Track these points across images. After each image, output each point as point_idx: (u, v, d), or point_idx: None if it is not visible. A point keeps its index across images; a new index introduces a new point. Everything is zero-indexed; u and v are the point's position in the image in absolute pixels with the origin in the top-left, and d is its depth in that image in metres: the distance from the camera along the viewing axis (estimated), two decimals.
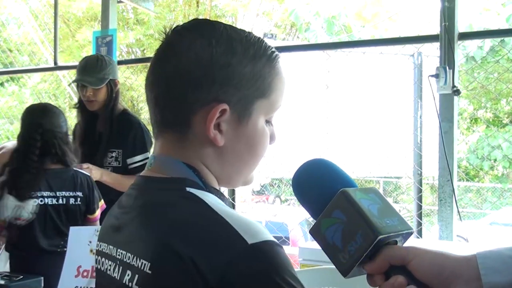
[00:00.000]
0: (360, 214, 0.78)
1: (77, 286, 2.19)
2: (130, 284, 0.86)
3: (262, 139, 0.94)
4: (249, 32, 0.93)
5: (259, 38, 0.93)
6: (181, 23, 0.96)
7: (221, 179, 0.95)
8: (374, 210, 0.80)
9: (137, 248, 0.86)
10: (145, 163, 0.98)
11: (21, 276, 2.43)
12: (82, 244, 2.24)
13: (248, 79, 0.89)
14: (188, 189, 0.87)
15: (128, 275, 0.86)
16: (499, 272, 0.74)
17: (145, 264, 0.83)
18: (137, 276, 0.85)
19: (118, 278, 0.89)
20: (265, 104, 0.92)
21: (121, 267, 0.89)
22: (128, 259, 0.87)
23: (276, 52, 0.94)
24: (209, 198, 0.86)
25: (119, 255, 0.90)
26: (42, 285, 2.47)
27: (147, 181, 0.94)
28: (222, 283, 0.77)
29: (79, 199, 2.73)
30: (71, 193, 2.72)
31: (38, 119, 2.70)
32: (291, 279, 0.78)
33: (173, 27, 0.94)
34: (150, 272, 0.82)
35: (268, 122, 0.95)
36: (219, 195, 0.91)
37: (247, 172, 0.97)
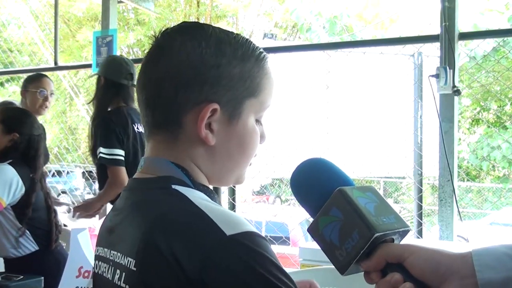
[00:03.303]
0: (357, 212, 0.79)
1: (77, 287, 2.19)
2: (119, 282, 0.87)
3: (252, 138, 0.95)
4: (237, 34, 0.96)
5: (247, 39, 0.95)
6: None
7: (212, 177, 0.96)
8: (371, 208, 0.80)
9: (124, 246, 0.88)
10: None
11: (21, 276, 2.43)
12: (83, 245, 2.25)
13: (237, 79, 0.91)
14: (173, 186, 0.88)
15: (117, 274, 0.88)
16: (494, 269, 0.74)
17: (130, 261, 0.85)
18: (124, 274, 0.86)
19: (110, 279, 0.90)
20: (254, 104, 0.94)
21: (112, 267, 0.90)
22: (118, 259, 0.89)
23: (264, 53, 0.96)
24: (193, 194, 0.87)
25: (111, 256, 0.92)
26: (43, 285, 2.47)
27: (137, 182, 0.96)
28: (201, 276, 0.77)
29: None
30: None
31: None
32: (277, 270, 0.78)
33: (162, 31, 0.96)
34: (134, 269, 0.83)
35: (257, 121, 0.97)
36: (208, 192, 0.93)
37: (238, 170, 0.98)
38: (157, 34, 0.96)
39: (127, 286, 0.86)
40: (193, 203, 0.84)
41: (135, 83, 3.20)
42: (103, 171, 3.06)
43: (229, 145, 0.93)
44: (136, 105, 3.08)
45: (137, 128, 3.10)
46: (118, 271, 0.88)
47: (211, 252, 0.78)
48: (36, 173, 2.81)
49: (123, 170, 2.99)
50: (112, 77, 3.12)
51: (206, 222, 0.81)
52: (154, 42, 0.96)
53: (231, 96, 0.91)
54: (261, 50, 0.96)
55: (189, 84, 0.89)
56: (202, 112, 0.89)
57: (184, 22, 0.98)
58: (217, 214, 0.82)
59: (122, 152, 3.01)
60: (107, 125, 3.02)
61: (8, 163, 2.74)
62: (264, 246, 0.80)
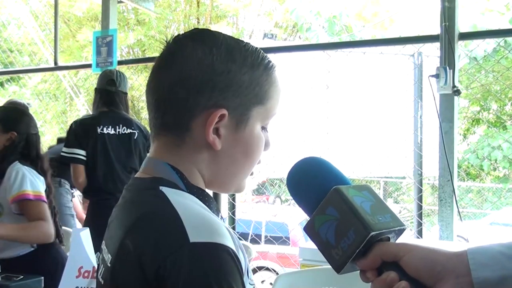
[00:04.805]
0: (353, 211, 0.79)
1: (77, 287, 2.20)
2: (100, 278, 0.92)
3: (258, 145, 0.97)
4: (247, 42, 0.97)
5: (257, 48, 0.97)
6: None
7: (214, 182, 0.97)
8: (367, 207, 0.81)
9: (110, 244, 0.91)
10: None
11: (21, 276, 2.43)
12: (83, 245, 2.25)
13: (246, 86, 0.93)
14: (161, 188, 0.89)
15: (102, 268, 0.93)
16: (489, 267, 0.74)
17: (109, 258, 0.88)
18: (104, 269, 0.91)
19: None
20: (261, 111, 0.96)
21: (103, 263, 0.94)
22: (106, 255, 0.92)
23: (272, 62, 0.98)
24: (177, 196, 0.88)
25: (104, 253, 0.95)
26: (43, 285, 2.47)
27: (134, 182, 0.98)
28: (157, 277, 0.79)
29: None
30: None
31: None
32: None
33: (174, 36, 0.98)
34: (109, 265, 0.87)
35: (263, 128, 0.98)
36: (203, 195, 0.93)
37: (241, 177, 0.99)
38: (168, 40, 0.98)
39: (103, 281, 0.90)
40: (172, 204, 0.85)
41: (119, 88, 3.50)
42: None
43: (235, 150, 0.94)
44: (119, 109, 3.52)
45: (102, 130, 3.47)
46: (102, 266, 0.93)
47: (167, 255, 0.79)
48: (46, 175, 2.79)
49: (80, 167, 3.44)
50: (98, 85, 3.60)
51: (175, 225, 0.81)
52: (165, 47, 0.97)
53: (240, 102, 0.93)
54: (270, 59, 0.98)
55: (200, 89, 0.91)
56: (211, 117, 0.90)
57: (195, 29, 1.00)
58: (191, 218, 0.82)
59: (81, 152, 3.44)
60: (70, 129, 3.53)
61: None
62: (224, 262, 0.80)
